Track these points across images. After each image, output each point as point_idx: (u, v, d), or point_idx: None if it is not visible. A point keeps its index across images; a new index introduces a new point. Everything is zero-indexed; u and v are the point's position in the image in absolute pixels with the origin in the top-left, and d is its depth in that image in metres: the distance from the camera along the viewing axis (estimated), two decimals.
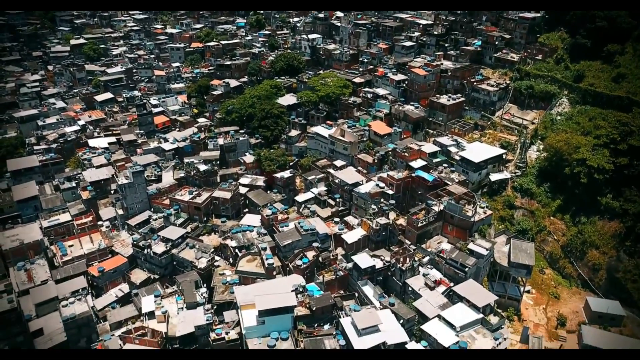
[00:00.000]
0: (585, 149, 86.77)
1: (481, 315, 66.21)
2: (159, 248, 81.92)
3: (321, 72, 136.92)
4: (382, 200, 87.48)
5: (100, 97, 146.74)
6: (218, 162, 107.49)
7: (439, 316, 66.48)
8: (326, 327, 66.91)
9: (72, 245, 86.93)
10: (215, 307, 71.99)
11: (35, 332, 70.60)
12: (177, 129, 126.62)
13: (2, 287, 71.19)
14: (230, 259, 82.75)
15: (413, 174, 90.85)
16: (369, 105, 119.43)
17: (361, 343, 60.88)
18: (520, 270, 74.95)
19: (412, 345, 61.87)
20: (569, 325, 74.97)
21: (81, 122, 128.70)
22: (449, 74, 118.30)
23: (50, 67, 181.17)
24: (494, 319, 66.84)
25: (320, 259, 78.53)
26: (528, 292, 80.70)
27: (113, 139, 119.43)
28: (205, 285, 76.96)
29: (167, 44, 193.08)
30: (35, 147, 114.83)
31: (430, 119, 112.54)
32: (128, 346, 64.31)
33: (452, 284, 72.12)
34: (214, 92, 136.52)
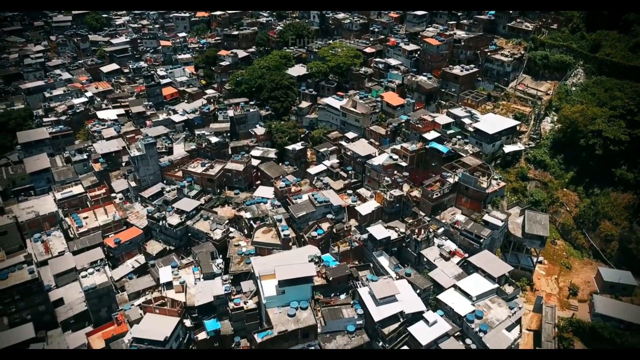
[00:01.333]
0: (601, 120, 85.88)
1: (496, 285, 66.95)
2: (173, 220, 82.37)
3: (330, 42, 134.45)
4: (395, 172, 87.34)
5: (106, 69, 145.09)
6: (229, 134, 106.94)
7: (454, 286, 67.32)
8: (342, 296, 67.97)
9: (86, 217, 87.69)
10: (232, 277, 72.87)
11: (56, 301, 72.17)
12: (186, 101, 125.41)
13: (21, 258, 72.35)
14: (245, 231, 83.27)
15: (427, 146, 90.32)
16: (380, 75, 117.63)
17: (379, 312, 61.90)
18: (535, 241, 75.51)
19: (429, 314, 62.85)
20: (581, 294, 75.91)
21: (88, 94, 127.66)
22: (462, 43, 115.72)
23: (52, 38, 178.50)
24: (509, 289, 67.67)
25: (334, 230, 79.00)
26: (540, 262, 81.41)
27: (121, 111, 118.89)
28: (220, 256, 77.69)
29: (171, 13, 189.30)
30: (44, 119, 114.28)
31: (443, 90, 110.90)
32: (149, 315, 65.23)
33: (466, 255, 72.74)
34: (222, 63, 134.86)
